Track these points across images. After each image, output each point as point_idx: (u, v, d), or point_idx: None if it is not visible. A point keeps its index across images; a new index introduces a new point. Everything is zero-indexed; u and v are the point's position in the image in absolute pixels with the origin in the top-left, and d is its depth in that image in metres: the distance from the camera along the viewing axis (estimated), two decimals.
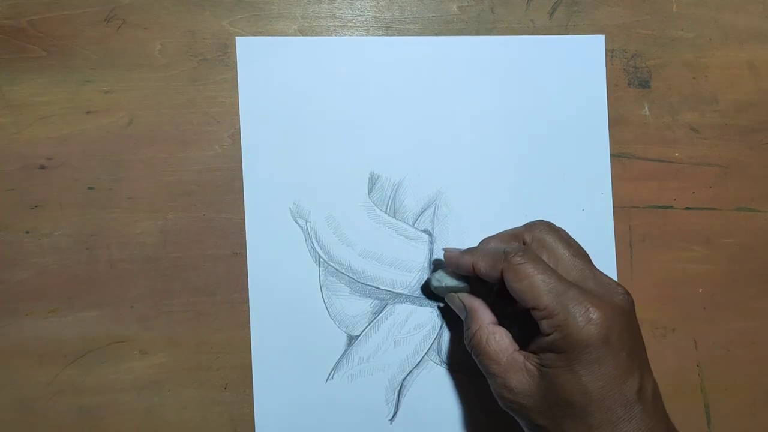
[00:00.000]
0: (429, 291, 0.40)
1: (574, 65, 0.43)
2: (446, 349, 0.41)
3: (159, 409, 0.39)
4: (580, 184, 0.42)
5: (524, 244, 0.36)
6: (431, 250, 0.41)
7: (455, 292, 0.38)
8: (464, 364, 0.41)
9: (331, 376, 0.40)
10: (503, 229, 0.39)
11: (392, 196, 0.41)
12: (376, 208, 0.41)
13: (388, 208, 0.41)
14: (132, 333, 0.39)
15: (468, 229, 0.41)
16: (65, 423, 0.39)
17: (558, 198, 0.42)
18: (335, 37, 0.41)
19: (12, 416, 0.38)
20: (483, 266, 0.35)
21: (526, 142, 0.42)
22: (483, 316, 0.36)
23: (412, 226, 0.41)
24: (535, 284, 0.32)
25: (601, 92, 0.43)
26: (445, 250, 0.38)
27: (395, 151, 0.41)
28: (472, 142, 0.42)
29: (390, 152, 0.41)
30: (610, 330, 0.31)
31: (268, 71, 0.40)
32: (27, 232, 0.39)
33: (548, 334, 0.32)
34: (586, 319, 0.31)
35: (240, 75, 0.40)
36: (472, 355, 0.36)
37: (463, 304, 0.37)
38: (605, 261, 0.42)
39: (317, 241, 0.40)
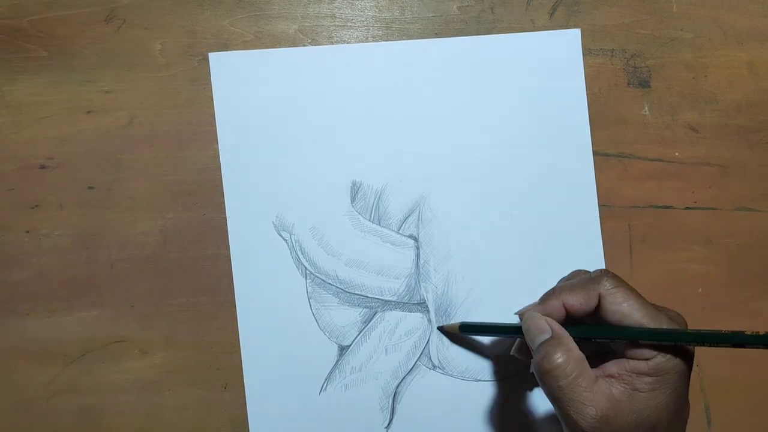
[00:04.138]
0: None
1: (552, 60, 0.42)
2: (438, 353, 0.41)
3: (159, 409, 0.39)
4: (563, 180, 0.42)
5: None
6: (417, 255, 0.41)
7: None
8: (457, 368, 0.41)
9: (324, 387, 0.40)
10: (488, 228, 0.38)
11: (375, 203, 0.41)
12: (359, 216, 0.41)
13: (372, 215, 0.41)
14: (132, 333, 0.39)
15: (453, 232, 0.41)
16: (65, 423, 0.39)
17: (542, 195, 0.42)
18: (306, 47, 0.41)
19: (12, 416, 0.38)
20: (575, 300, 0.33)
21: (506, 141, 0.42)
22: (571, 344, 0.33)
23: (397, 232, 0.41)
24: (635, 306, 0.32)
25: (580, 85, 0.43)
26: (519, 314, 0.36)
27: (375, 158, 0.41)
28: (452, 144, 0.42)
29: (370, 160, 0.41)
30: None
31: (242, 86, 0.40)
32: (27, 232, 0.39)
33: (649, 358, 0.31)
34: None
35: (215, 91, 0.40)
36: (551, 382, 0.32)
37: (550, 328, 0.33)
38: (594, 255, 0.42)
39: (302, 253, 0.40)
